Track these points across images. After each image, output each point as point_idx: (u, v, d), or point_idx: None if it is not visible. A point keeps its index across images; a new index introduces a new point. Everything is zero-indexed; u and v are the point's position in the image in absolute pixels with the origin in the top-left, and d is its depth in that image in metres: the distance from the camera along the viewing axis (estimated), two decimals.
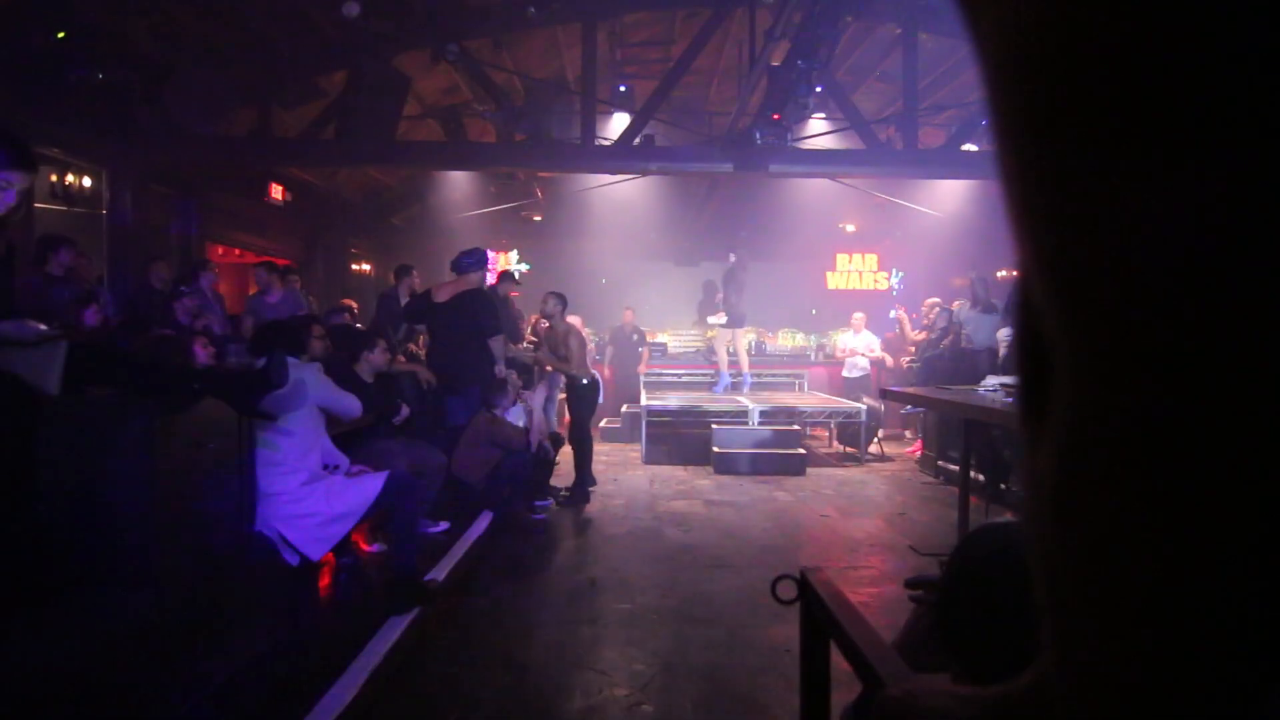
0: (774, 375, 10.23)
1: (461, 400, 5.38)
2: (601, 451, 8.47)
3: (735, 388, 9.11)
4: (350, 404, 3.66)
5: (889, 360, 9.39)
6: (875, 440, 8.32)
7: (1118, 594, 0.27)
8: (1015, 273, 0.32)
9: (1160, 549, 0.26)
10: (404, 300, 7.02)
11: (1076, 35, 0.25)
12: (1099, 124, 0.25)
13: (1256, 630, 0.25)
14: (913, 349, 8.75)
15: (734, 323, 8.90)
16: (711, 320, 8.99)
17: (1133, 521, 0.26)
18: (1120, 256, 0.25)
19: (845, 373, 9.32)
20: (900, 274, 15.16)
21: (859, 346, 9.27)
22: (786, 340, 12.18)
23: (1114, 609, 0.27)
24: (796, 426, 8.02)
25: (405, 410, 4.54)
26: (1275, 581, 0.25)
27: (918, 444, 8.11)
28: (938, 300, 8.69)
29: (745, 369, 9.19)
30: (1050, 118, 0.26)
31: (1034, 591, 0.31)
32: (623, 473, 7.36)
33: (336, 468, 3.49)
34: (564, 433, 6.55)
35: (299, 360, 3.44)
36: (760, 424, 7.68)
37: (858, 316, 9.49)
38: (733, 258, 8.87)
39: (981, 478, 5.58)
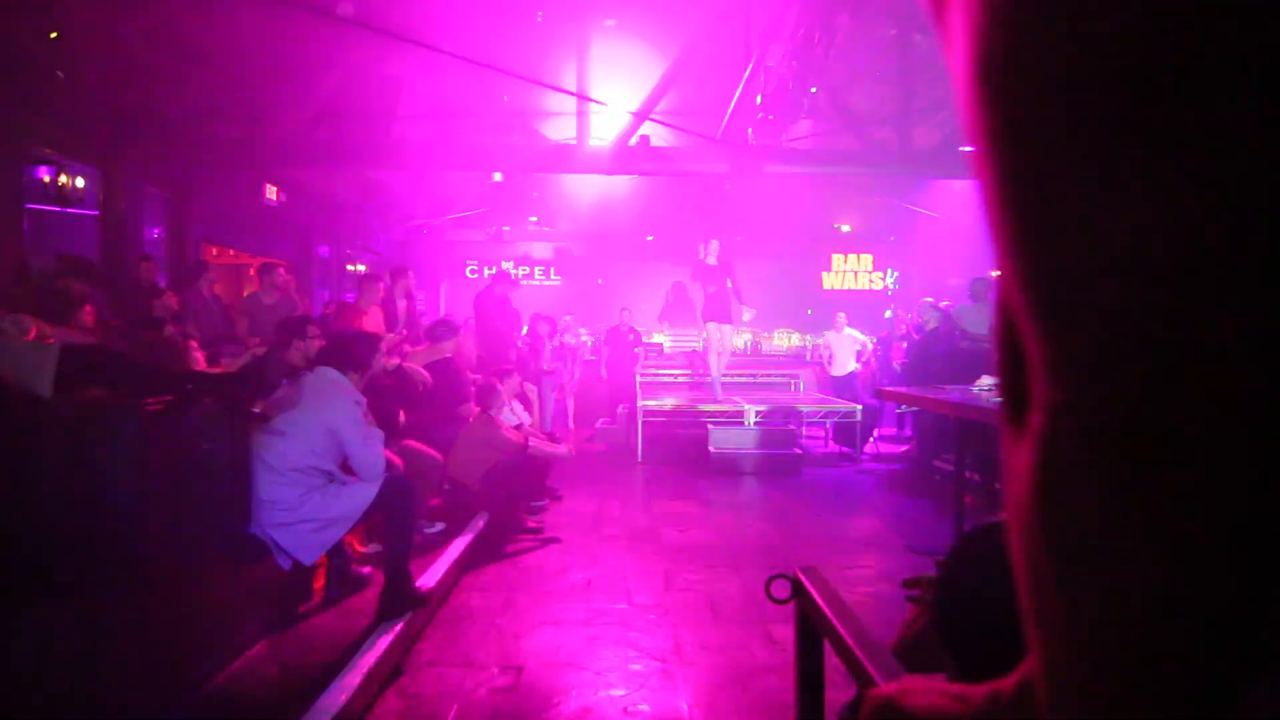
0: (770, 375, 10.25)
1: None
2: (598, 451, 8.48)
3: (710, 386, 8.45)
4: (364, 458, 3.35)
5: (869, 346, 9.39)
6: (871, 440, 8.33)
7: (1097, 595, 0.27)
8: (995, 267, 0.32)
9: (1139, 550, 0.25)
10: (399, 302, 7.02)
11: (1053, 36, 0.24)
12: (1077, 125, 0.25)
13: (1236, 631, 0.25)
14: (904, 345, 8.78)
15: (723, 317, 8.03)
16: (746, 318, 8.03)
17: (1110, 522, 0.26)
18: (1099, 257, 0.25)
19: (833, 371, 9.34)
20: (895, 274, 15.20)
21: (844, 345, 9.26)
22: (782, 341, 12.21)
23: (1093, 610, 0.27)
24: (793, 426, 8.02)
25: (401, 417, 4.55)
26: (1256, 583, 0.25)
27: (913, 443, 8.12)
28: (930, 300, 8.73)
29: (721, 368, 8.40)
30: (1028, 119, 0.26)
31: (1019, 591, 0.30)
32: (619, 473, 7.36)
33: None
34: (559, 433, 6.54)
35: (342, 376, 3.44)
36: (756, 424, 7.68)
37: (840, 317, 9.50)
38: (716, 245, 7.92)
39: (977, 477, 5.59)
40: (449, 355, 5.52)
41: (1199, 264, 0.24)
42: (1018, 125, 0.26)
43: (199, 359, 4.61)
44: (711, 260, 7.85)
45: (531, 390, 7.41)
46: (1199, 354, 0.24)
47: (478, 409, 5.29)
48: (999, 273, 0.31)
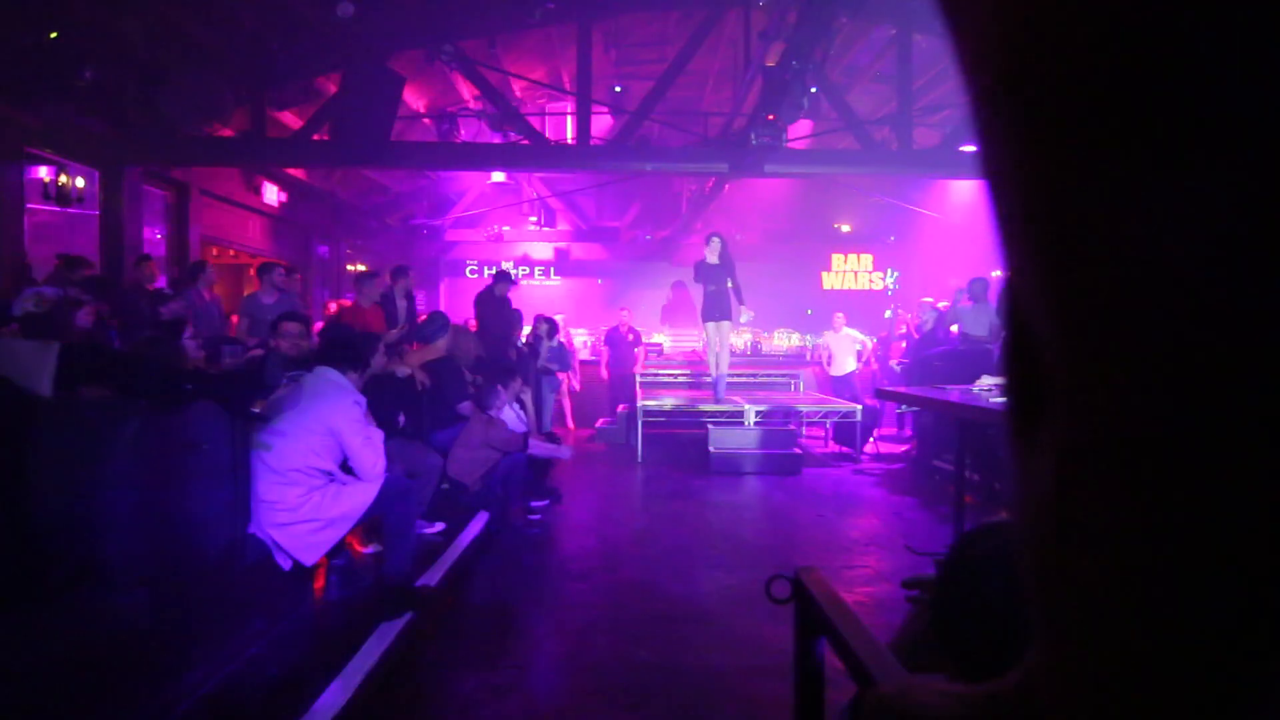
0: (770, 375, 10.25)
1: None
2: (599, 452, 8.48)
3: (711, 386, 8.15)
4: (364, 459, 3.33)
5: (869, 346, 9.40)
6: (871, 440, 8.33)
7: (1110, 598, 0.26)
8: (1003, 274, 0.31)
9: (1157, 561, 0.25)
10: (400, 302, 7.03)
11: (1068, 31, 0.24)
12: (1093, 122, 0.24)
13: (1247, 641, 0.25)
14: (904, 345, 8.79)
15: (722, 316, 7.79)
16: (744, 320, 7.82)
17: (1131, 533, 0.26)
18: (1118, 259, 0.24)
19: (833, 371, 9.34)
20: (895, 274, 15.21)
21: (843, 345, 9.25)
22: (782, 341, 12.21)
23: (1105, 612, 0.27)
24: (792, 426, 8.02)
25: (401, 419, 4.56)
26: (1271, 594, 0.24)
27: (913, 443, 8.13)
28: (929, 300, 8.74)
29: (723, 369, 8.08)
30: (1039, 116, 0.25)
31: (1026, 596, 0.30)
32: (619, 473, 7.36)
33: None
34: (560, 433, 6.53)
35: (342, 376, 3.43)
36: (756, 424, 7.68)
37: (838, 317, 9.49)
38: (718, 242, 7.68)
39: (977, 477, 5.59)
40: (444, 353, 5.51)
41: (1221, 274, 0.23)
42: (1031, 129, 0.25)
43: (199, 359, 4.61)
44: (713, 258, 7.65)
45: (525, 392, 7.40)
46: (1221, 365, 0.23)
47: (477, 409, 5.29)
48: (1007, 276, 0.30)
